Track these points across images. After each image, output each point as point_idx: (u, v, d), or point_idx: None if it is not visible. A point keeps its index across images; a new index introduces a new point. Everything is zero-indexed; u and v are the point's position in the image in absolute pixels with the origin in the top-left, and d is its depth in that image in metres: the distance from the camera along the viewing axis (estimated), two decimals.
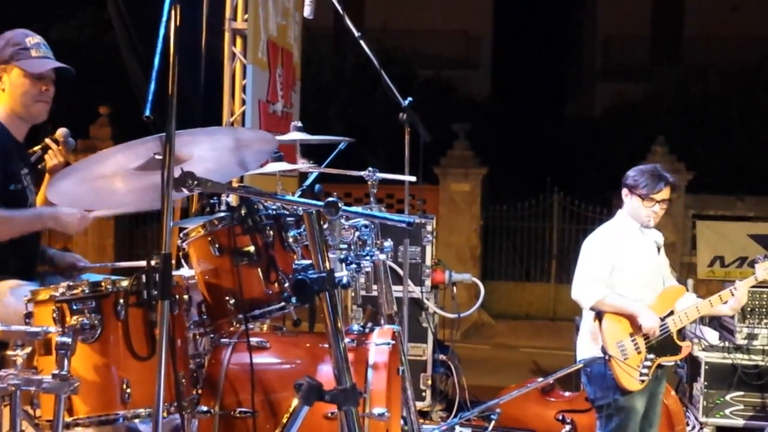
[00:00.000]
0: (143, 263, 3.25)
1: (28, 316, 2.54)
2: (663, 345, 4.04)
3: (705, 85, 15.09)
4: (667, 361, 4.10)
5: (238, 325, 2.84)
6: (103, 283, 2.50)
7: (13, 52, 3.12)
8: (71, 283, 2.51)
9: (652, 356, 4.01)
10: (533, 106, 18.58)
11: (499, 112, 17.72)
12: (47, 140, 3.43)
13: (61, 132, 3.50)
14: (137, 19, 5.26)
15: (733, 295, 4.11)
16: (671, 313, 4.08)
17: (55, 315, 2.46)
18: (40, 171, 3.46)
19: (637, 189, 4.08)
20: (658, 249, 4.23)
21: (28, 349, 2.43)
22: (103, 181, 2.52)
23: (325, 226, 2.65)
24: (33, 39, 3.17)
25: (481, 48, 20.48)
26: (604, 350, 3.97)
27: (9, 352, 2.40)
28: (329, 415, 2.65)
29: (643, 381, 3.98)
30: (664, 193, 4.09)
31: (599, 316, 4.03)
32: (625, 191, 4.14)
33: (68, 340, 2.34)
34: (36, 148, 3.47)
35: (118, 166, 2.45)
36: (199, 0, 5.55)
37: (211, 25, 5.62)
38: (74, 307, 2.46)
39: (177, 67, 2.13)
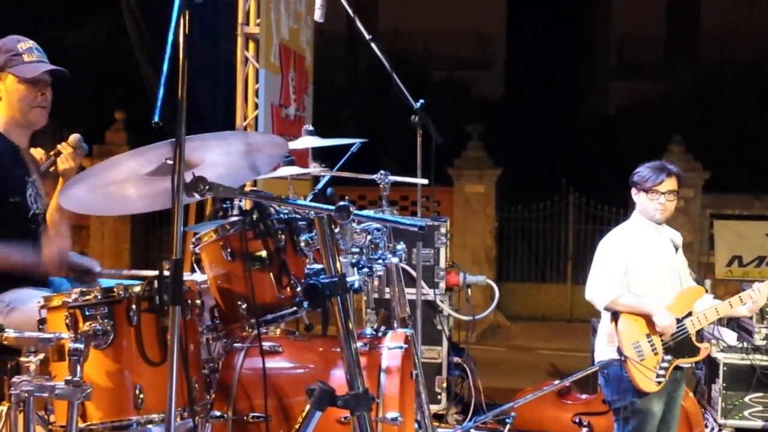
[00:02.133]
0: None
1: (42, 322, 2.55)
2: (681, 346, 4.00)
3: (721, 83, 14.97)
4: (685, 362, 4.06)
5: (250, 330, 2.84)
6: (115, 289, 2.51)
7: (6, 59, 3.11)
8: (84, 289, 2.52)
9: (669, 357, 3.97)
10: (547, 106, 18.50)
11: (512, 112, 17.66)
12: (59, 146, 3.44)
13: (73, 138, 3.51)
14: (152, 24, 5.28)
15: (752, 299, 4.07)
16: (690, 314, 4.04)
17: (67, 321, 2.47)
18: (54, 176, 3.47)
19: (640, 184, 4.09)
20: (676, 249, 4.19)
21: (41, 356, 2.44)
22: (116, 187, 2.52)
23: (337, 230, 2.64)
24: (25, 44, 3.16)
25: (495, 48, 20.44)
26: (619, 351, 3.94)
27: (22, 359, 2.41)
28: (342, 419, 2.64)
29: (659, 383, 3.94)
30: (668, 184, 4.05)
31: (615, 316, 4.00)
32: (633, 190, 4.14)
33: (81, 346, 2.34)
34: (51, 153, 3.49)
35: (130, 171, 2.45)
36: (213, 5, 5.57)
37: (226, 30, 5.66)
38: (87, 313, 2.46)
39: (189, 72, 2.13)
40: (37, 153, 3.41)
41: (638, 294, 4.00)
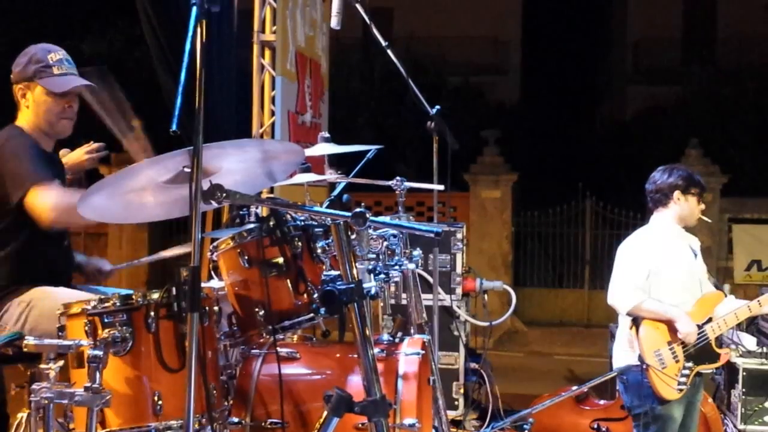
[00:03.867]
0: (167, 254, 3.25)
1: (61, 329, 2.57)
2: (701, 352, 3.97)
3: (738, 86, 14.90)
4: (706, 368, 4.04)
5: (267, 336, 2.85)
6: (133, 296, 2.53)
7: (36, 69, 3.14)
8: (102, 297, 2.54)
9: (690, 364, 3.95)
10: (563, 111, 18.46)
11: (529, 117, 17.65)
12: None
13: (96, 147, 3.57)
14: (169, 33, 5.31)
15: None
16: (710, 319, 4.02)
17: (87, 328, 2.48)
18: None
19: (692, 188, 4.06)
20: (695, 254, 4.17)
21: (61, 362, 2.46)
22: (134, 195, 2.54)
23: (353, 237, 2.65)
24: (56, 55, 3.19)
25: (510, 53, 20.43)
26: (641, 359, 3.91)
27: (42, 366, 2.44)
28: (359, 425, 2.64)
29: (681, 390, 3.92)
30: None
31: (636, 324, 3.97)
32: (677, 194, 4.06)
33: (100, 353, 2.36)
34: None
35: (148, 179, 2.47)
36: (228, 14, 5.60)
37: (240, 38, 5.68)
38: (106, 320, 2.48)
39: (206, 81, 2.15)
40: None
41: (660, 299, 3.97)
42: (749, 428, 5.21)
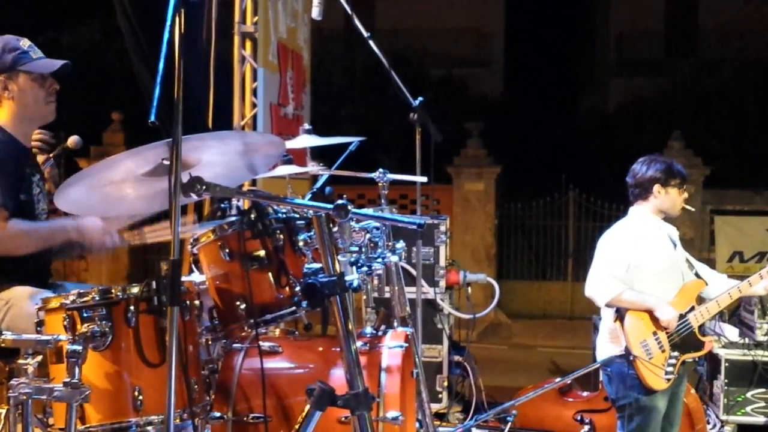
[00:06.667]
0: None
1: (40, 324, 2.54)
2: (686, 341, 3.99)
3: (720, 79, 14.98)
4: (692, 357, 4.05)
5: (249, 330, 2.83)
6: (113, 290, 2.50)
7: (15, 57, 3.09)
8: (81, 291, 2.51)
9: (676, 354, 3.96)
10: (546, 103, 18.50)
11: (512, 109, 17.66)
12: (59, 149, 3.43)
13: (73, 140, 3.51)
14: (146, 25, 5.27)
15: (750, 285, 4.06)
16: (692, 308, 4.03)
17: (65, 323, 2.46)
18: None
19: (673, 180, 4.05)
20: (674, 244, 4.18)
21: (39, 358, 2.43)
22: (112, 188, 2.51)
23: (335, 229, 2.63)
24: (25, 42, 3.16)
25: (493, 45, 20.44)
26: (628, 351, 3.91)
27: (20, 361, 2.40)
28: (343, 419, 2.63)
29: (669, 380, 3.93)
30: None
31: (621, 316, 3.97)
32: (657, 187, 4.05)
33: (79, 347, 2.33)
34: (50, 155, 3.48)
35: (127, 172, 2.44)
36: (207, 4, 5.55)
37: (219, 29, 5.63)
38: (85, 315, 2.45)
39: (184, 71, 2.12)
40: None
41: (642, 291, 3.98)
42: (731, 419, 5.26)
